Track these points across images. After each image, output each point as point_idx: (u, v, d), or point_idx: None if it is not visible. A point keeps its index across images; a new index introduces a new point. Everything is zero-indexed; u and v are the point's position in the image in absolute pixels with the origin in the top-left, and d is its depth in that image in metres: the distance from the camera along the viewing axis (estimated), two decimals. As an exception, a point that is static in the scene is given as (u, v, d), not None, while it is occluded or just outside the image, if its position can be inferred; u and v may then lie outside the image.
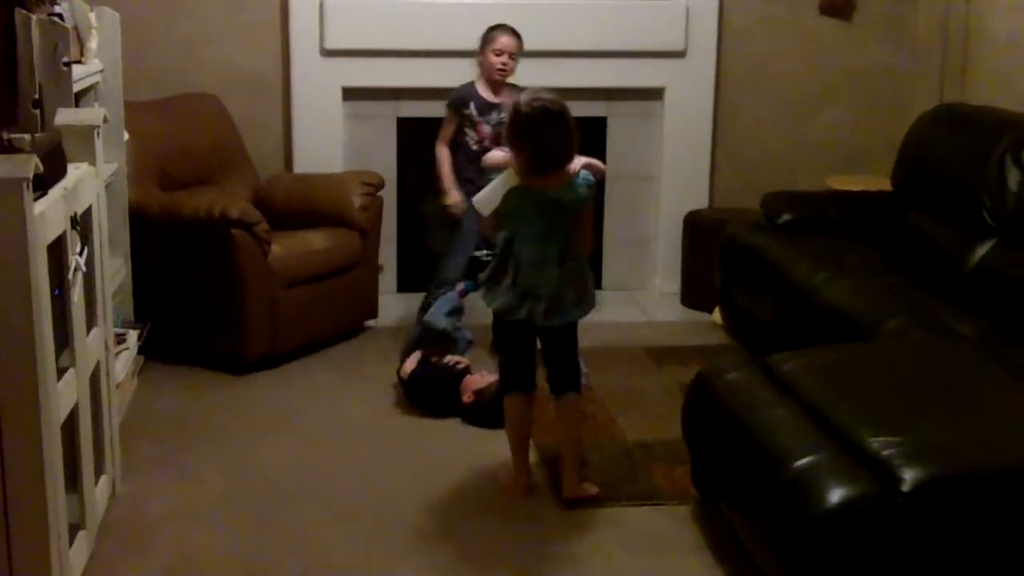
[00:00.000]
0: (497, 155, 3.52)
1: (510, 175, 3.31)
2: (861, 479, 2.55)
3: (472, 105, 4.60)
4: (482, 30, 5.03)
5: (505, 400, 3.55)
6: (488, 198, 3.32)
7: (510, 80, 4.65)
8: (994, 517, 2.54)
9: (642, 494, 3.52)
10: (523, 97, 3.27)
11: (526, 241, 3.30)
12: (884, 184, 4.96)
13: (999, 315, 3.74)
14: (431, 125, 5.21)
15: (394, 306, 5.25)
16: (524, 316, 3.35)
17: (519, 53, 4.63)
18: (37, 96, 3.21)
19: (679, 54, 5.46)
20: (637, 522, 3.36)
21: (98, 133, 3.33)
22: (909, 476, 2.51)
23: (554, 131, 3.24)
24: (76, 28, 3.83)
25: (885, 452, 2.59)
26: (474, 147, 4.60)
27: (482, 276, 3.48)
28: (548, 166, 3.27)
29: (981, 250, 4.05)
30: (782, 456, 2.71)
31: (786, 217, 4.71)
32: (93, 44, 4.04)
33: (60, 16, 3.48)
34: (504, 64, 4.58)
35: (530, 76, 5.16)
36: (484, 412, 3.97)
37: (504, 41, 4.59)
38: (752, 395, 3.05)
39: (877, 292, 3.93)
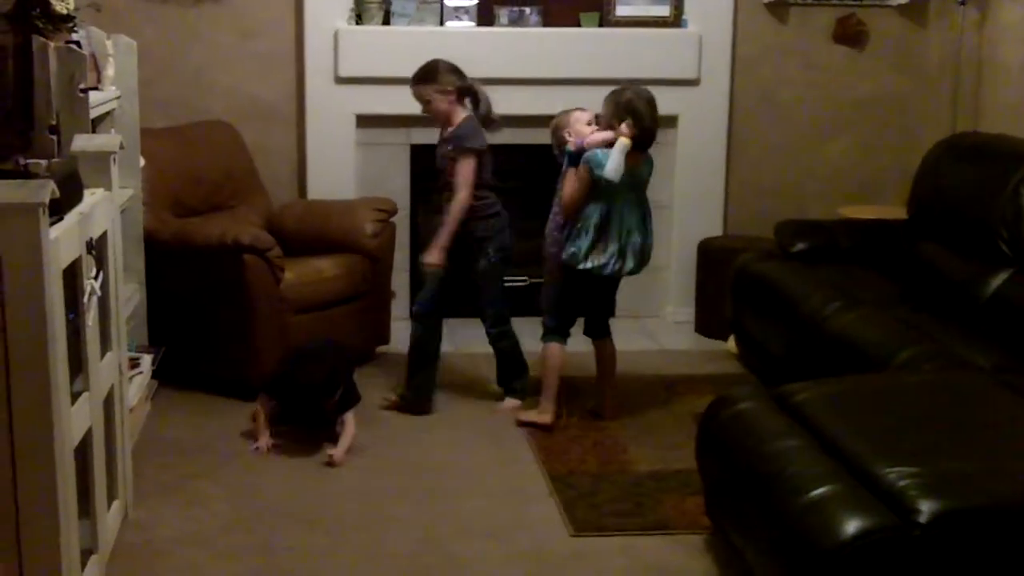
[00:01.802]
0: (598, 136, 4.09)
1: (627, 144, 3.99)
2: (876, 511, 2.53)
3: None
4: (492, 57, 5.08)
5: (547, 347, 4.26)
6: (618, 165, 3.96)
7: (464, 110, 4.35)
8: (1012, 550, 2.52)
9: (653, 524, 3.50)
10: (630, 91, 4.06)
11: (623, 209, 4.06)
12: (897, 213, 4.96)
13: (1014, 346, 3.73)
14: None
15: (405, 332, 5.23)
16: (612, 271, 4.08)
17: (436, 86, 4.29)
18: (54, 122, 3.23)
19: (692, 82, 5.47)
20: (648, 552, 3.34)
21: (114, 159, 3.34)
22: (926, 508, 2.49)
23: (656, 116, 4.08)
24: (93, 55, 3.85)
25: (901, 483, 2.57)
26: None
27: (572, 250, 4.07)
28: (650, 144, 4.12)
29: (996, 280, 4.03)
30: (795, 487, 2.69)
31: (799, 246, 4.71)
32: (110, 71, 4.07)
33: (77, 43, 3.51)
34: (424, 111, 4.40)
35: (546, 104, 5.22)
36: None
37: (413, 93, 4.36)
38: (765, 425, 3.04)
39: (890, 322, 3.92)
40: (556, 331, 4.27)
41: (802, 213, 5.49)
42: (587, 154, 4.04)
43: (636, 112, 4.00)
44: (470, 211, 4.29)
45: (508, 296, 4.54)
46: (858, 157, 5.74)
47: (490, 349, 4.56)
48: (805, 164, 5.72)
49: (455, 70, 4.32)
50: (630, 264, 4.13)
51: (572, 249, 4.08)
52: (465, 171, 4.25)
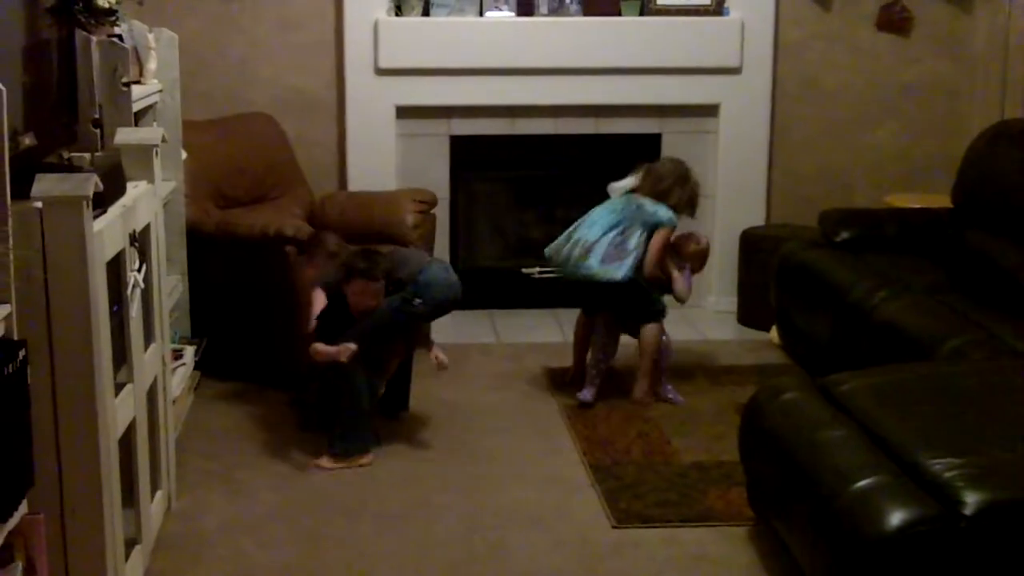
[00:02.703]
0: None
1: (631, 181, 4.45)
2: (922, 502, 2.50)
3: None
4: (532, 47, 5.06)
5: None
6: (621, 184, 4.45)
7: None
8: (1060, 542, 2.48)
9: (697, 515, 3.48)
10: (661, 162, 4.59)
11: (604, 208, 4.37)
12: (942, 201, 4.89)
13: (1063, 335, 3.67)
14: (484, 143, 5.24)
15: (447, 324, 5.24)
16: (572, 255, 4.30)
17: (310, 259, 4.15)
18: (97, 116, 3.26)
19: (734, 70, 5.43)
20: (691, 543, 3.33)
21: (156, 152, 3.36)
22: (972, 499, 2.46)
23: (677, 179, 4.41)
24: (135, 49, 3.88)
25: (947, 474, 2.54)
26: None
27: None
28: (668, 201, 4.38)
29: (1045, 269, 3.98)
30: (840, 478, 2.67)
31: (844, 235, 4.66)
32: (152, 65, 4.09)
33: (120, 37, 3.54)
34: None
35: (585, 94, 5.22)
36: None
37: None
38: (809, 415, 3.01)
39: (937, 311, 3.87)
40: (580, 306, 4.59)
41: (847, 201, 5.44)
42: None
43: (658, 172, 4.42)
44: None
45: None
46: (904, 144, 5.66)
47: (533, 339, 4.55)
48: (850, 152, 5.66)
49: (339, 245, 4.10)
50: (568, 253, 4.31)
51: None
52: None
